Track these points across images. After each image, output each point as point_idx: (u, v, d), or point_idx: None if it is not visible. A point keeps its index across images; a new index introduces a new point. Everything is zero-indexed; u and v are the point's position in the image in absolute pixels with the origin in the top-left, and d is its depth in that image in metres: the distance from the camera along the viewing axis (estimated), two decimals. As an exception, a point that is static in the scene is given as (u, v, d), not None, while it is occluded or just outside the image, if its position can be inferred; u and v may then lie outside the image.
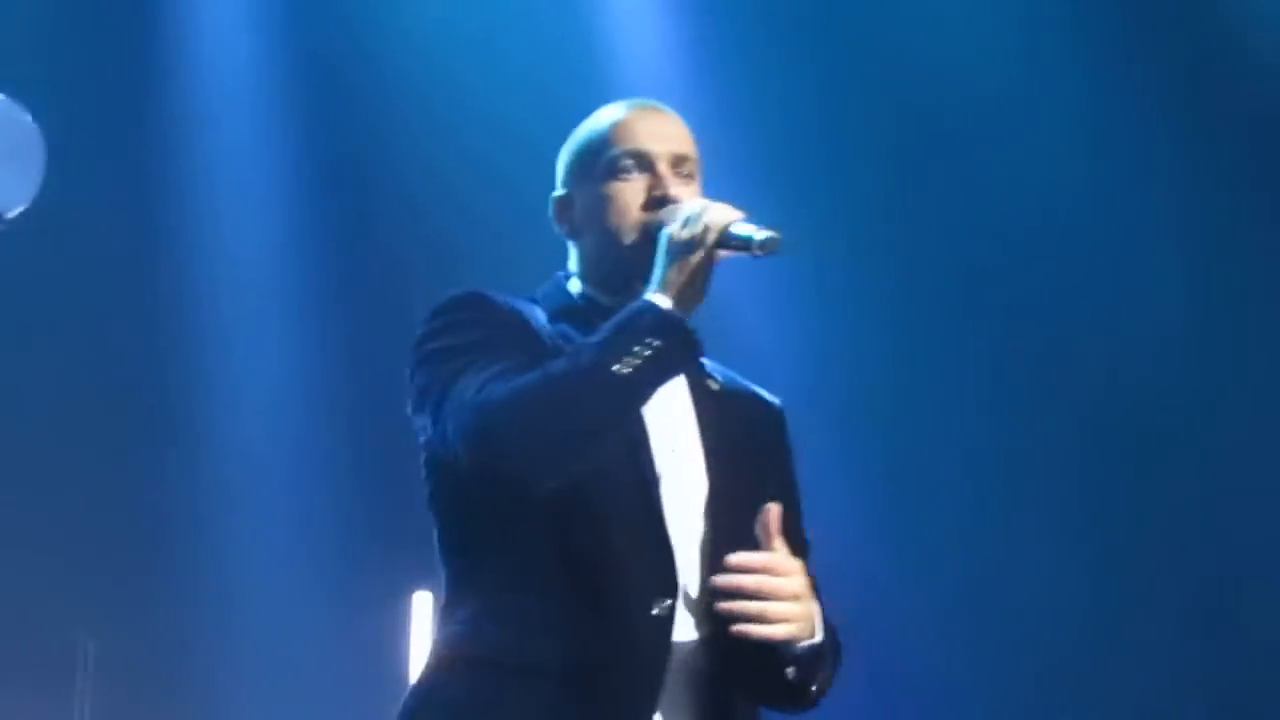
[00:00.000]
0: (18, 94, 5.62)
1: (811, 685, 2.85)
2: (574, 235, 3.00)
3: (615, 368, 2.72)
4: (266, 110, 6.90)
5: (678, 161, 2.95)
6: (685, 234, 2.79)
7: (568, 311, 2.96)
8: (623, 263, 2.90)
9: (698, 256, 2.78)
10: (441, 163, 6.82)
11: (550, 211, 3.03)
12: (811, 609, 2.81)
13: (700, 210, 2.81)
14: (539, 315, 2.94)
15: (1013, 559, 6.68)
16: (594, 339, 2.77)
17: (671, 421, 2.88)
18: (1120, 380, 6.70)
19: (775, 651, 2.81)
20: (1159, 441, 6.66)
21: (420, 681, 2.85)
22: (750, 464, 2.93)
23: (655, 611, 2.76)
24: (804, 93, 6.87)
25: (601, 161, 2.95)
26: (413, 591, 6.41)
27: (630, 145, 2.95)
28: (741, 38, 6.94)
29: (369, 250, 6.86)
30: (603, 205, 2.93)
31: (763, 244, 2.77)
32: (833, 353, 6.70)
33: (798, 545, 2.93)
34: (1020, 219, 6.78)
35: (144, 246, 6.73)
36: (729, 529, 2.84)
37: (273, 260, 6.81)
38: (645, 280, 2.83)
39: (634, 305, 2.79)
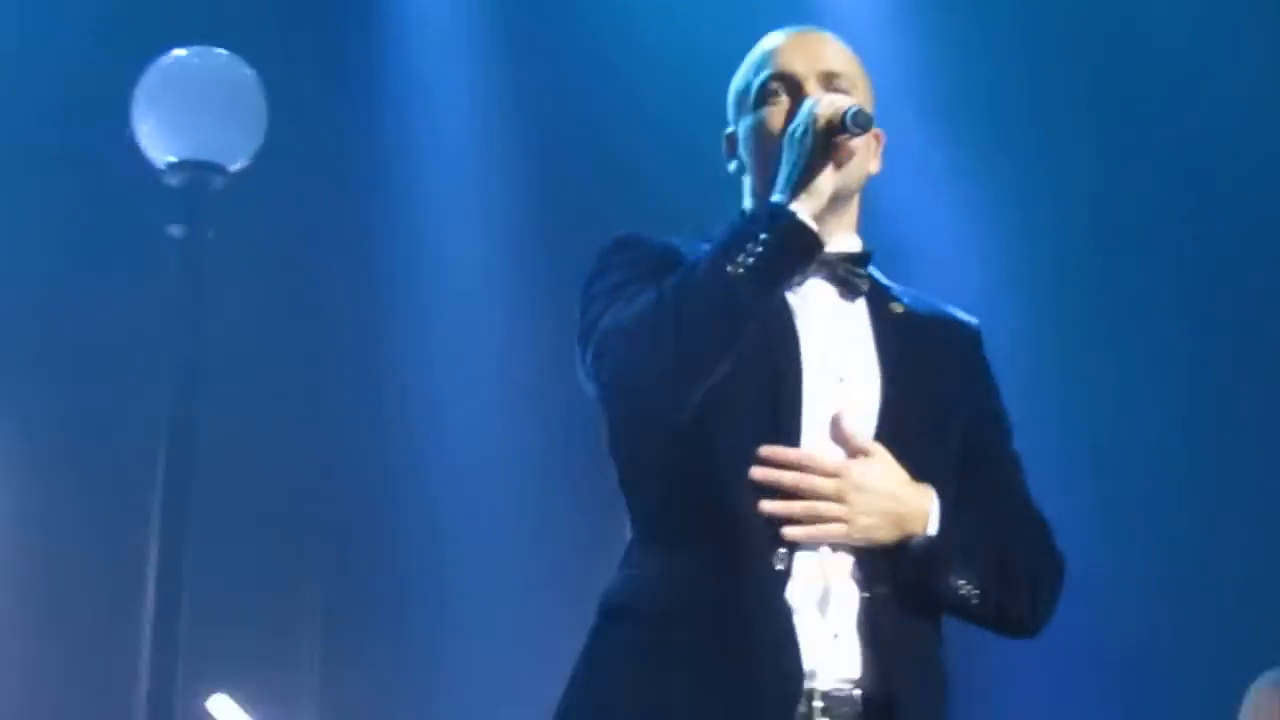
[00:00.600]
0: (241, 51, 5.86)
1: (957, 587, 2.73)
2: (740, 171, 2.94)
3: (729, 269, 2.64)
4: (483, 87, 6.86)
5: (828, 78, 2.87)
6: (797, 128, 2.73)
7: None
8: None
9: (808, 147, 2.71)
10: (661, 142, 6.77)
11: (723, 151, 3.00)
12: (894, 505, 2.71)
13: (812, 104, 2.75)
14: (701, 248, 2.84)
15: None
16: (714, 240, 2.72)
17: (845, 348, 2.79)
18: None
19: (898, 562, 2.73)
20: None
21: (590, 631, 2.81)
22: (935, 389, 2.83)
23: (779, 566, 2.68)
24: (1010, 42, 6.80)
25: (754, 90, 2.89)
26: None
27: (778, 68, 2.88)
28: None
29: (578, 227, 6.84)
30: (755, 133, 2.88)
31: (854, 118, 2.69)
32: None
33: (1005, 463, 2.88)
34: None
35: (357, 206, 6.71)
36: (903, 458, 2.75)
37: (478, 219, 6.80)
38: None
39: (758, 205, 2.77)
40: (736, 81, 2.94)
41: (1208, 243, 6.42)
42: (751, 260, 2.64)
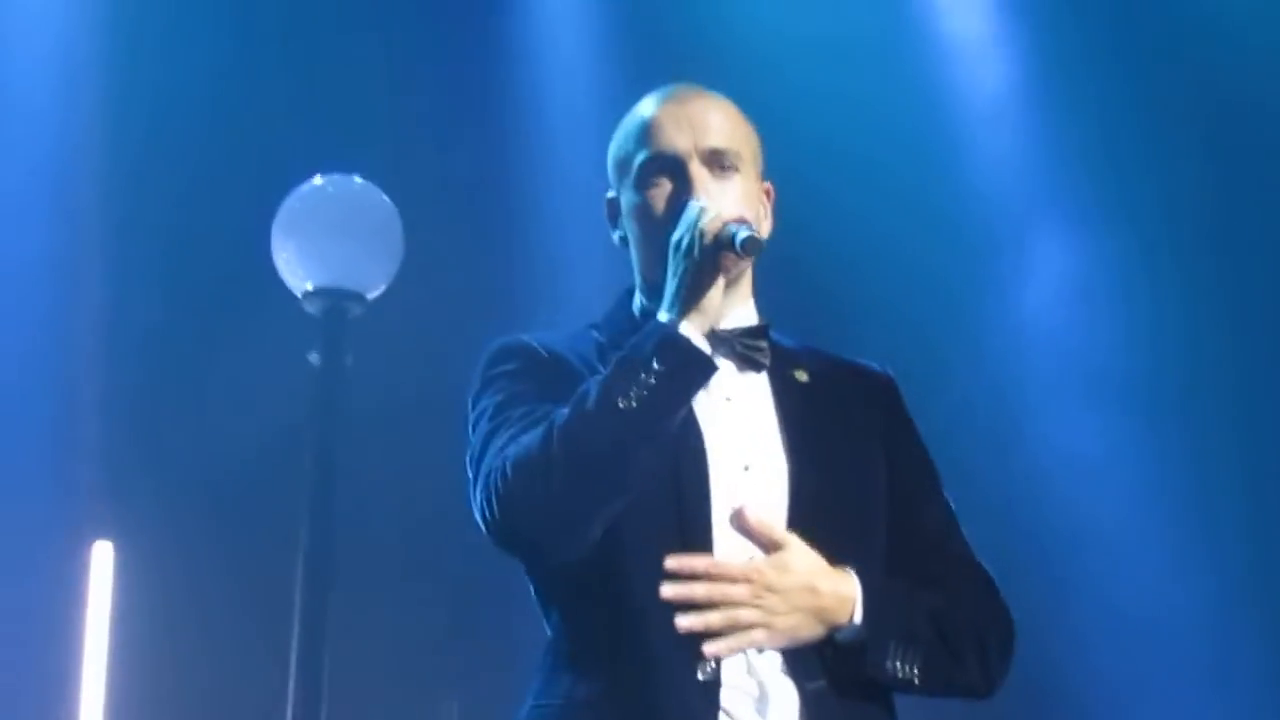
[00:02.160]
0: (378, 179, 5.93)
1: (895, 671, 2.61)
2: (624, 243, 2.81)
3: (620, 404, 2.51)
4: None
5: (712, 156, 2.70)
6: (682, 239, 2.59)
7: (631, 325, 2.74)
8: (657, 272, 2.67)
9: (695, 262, 2.58)
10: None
11: (605, 215, 2.86)
12: (813, 600, 2.56)
13: (697, 212, 2.60)
14: (588, 348, 2.75)
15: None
16: (599, 376, 2.58)
17: (750, 432, 2.66)
18: None
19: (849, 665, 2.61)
20: None
21: None
22: (848, 459, 2.71)
23: (700, 677, 2.56)
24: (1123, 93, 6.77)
25: (633, 167, 2.74)
26: (93, 542, 6.26)
27: (657, 146, 2.72)
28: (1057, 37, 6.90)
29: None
30: (638, 215, 2.73)
31: (743, 245, 2.56)
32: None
33: (937, 515, 2.77)
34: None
35: (490, 332, 6.81)
36: (823, 541, 2.60)
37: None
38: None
39: (642, 329, 2.60)
40: (614, 149, 2.80)
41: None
42: (645, 393, 2.52)
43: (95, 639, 6.19)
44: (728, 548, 2.56)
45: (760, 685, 2.57)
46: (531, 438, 2.54)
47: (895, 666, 2.60)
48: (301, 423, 5.68)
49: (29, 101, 6.53)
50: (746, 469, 2.61)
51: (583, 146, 6.75)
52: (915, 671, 2.60)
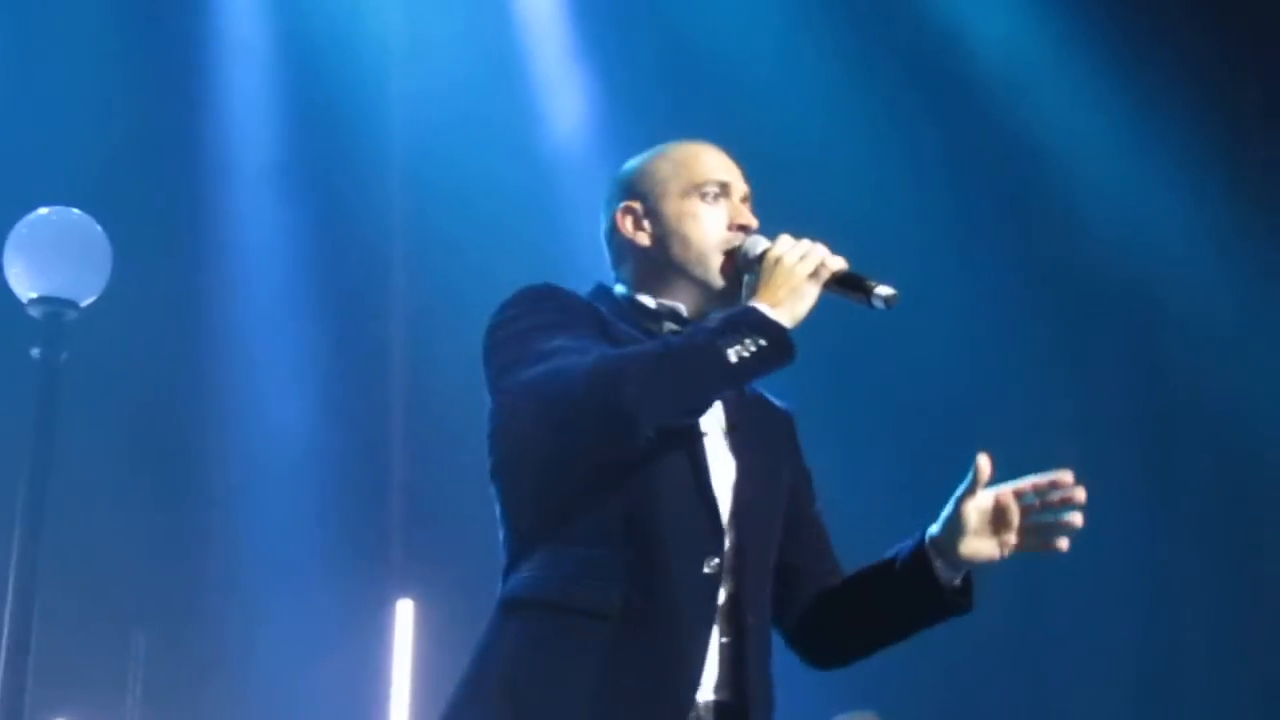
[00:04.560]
0: (89, 208, 6.48)
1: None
2: (636, 244, 3.09)
3: (727, 352, 2.81)
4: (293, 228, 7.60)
5: (746, 198, 3.10)
6: (804, 265, 2.90)
7: (617, 311, 3.05)
8: (699, 271, 3.03)
9: (811, 287, 2.89)
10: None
11: (611, 220, 3.12)
12: None
13: (811, 249, 2.93)
14: (599, 307, 3.02)
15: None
16: (709, 326, 2.87)
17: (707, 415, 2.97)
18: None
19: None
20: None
21: (489, 626, 2.88)
22: (767, 453, 3.04)
23: (706, 570, 2.84)
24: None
25: (692, 183, 3.06)
26: (396, 600, 6.92)
27: (715, 175, 3.08)
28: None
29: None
30: (690, 220, 3.04)
31: (886, 299, 2.92)
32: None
33: (816, 520, 3.16)
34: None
35: (187, 330, 7.50)
36: (749, 504, 2.94)
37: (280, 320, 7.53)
38: (707, 285, 3.02)
39: (746, 307, 2.89)
40: (658, 168, 3.10)
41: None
42: (746, 355, 2.82)
43: (400, 683, 6.75)
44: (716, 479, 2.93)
45: (727, 599, 2.90)
46: (651, 347, 2.85)
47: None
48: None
49: None
50: (707, 435, 2.97)
51: (264, 191, 7.50)
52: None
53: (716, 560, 2.87)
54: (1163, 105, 7.14)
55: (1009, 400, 7.21)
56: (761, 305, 2.88)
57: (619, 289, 3.13)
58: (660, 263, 3.07)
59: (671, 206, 3.06)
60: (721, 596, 2.90)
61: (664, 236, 3.06)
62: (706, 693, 2.87)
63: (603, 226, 3.19)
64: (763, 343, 2.83)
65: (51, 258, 6.29)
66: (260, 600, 7.15)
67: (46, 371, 6.21)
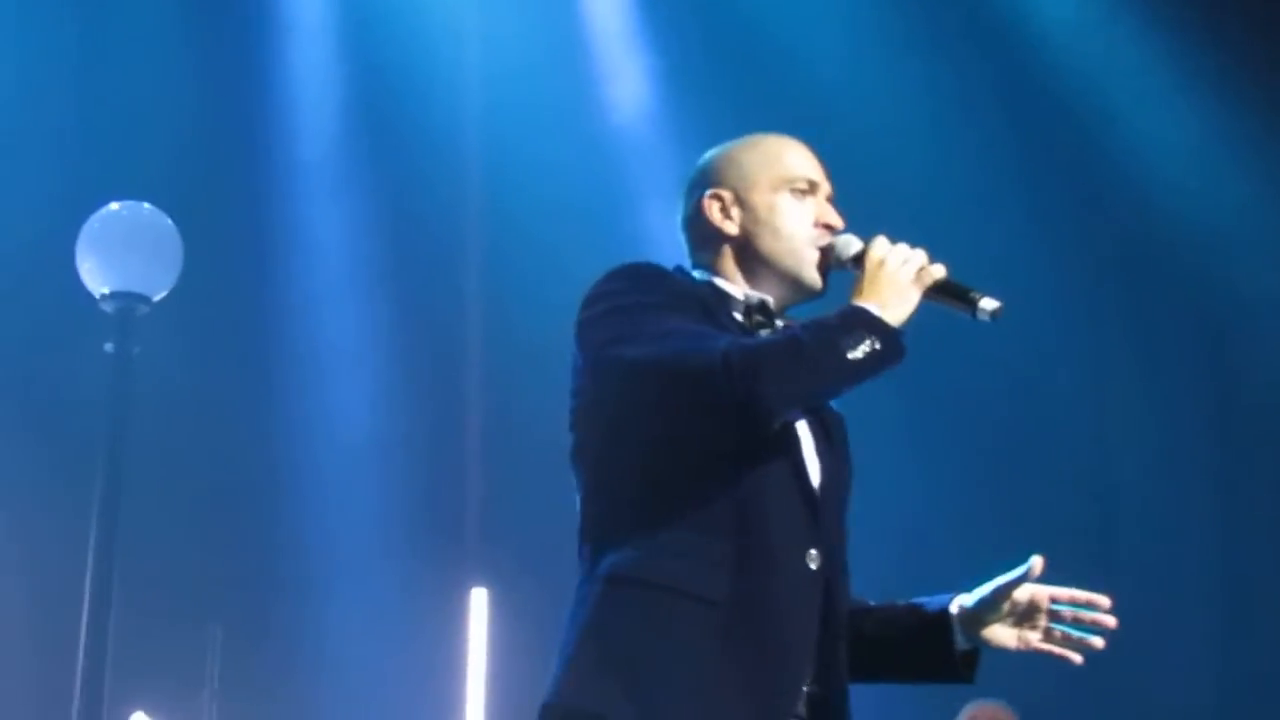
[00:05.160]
0: (160, 203, 6.58)
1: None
2: (724, 232, 3.10)
3: (849, 352, 2.86)
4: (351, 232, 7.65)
5: (830, 197, 3.15)
6: (906, 269, 2.95)
7: (709, 296, 3.07)
8: (790, 264, 3.06)
9: (914, 291, 2.95)
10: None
11: (696, 206, 3.13)
12: None
13: (912, 253, 2.98)
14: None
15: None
16: (829, 323, 2.89)
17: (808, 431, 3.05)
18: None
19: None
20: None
21: (593, 600, 2.89)
22: (837, 452, 3.08)
23: (810, 564, 2.90)
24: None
25: (783, 177, 3.10)
26: (470, 588, 6.98)
27: (805, 172, 3.12)
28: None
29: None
30: (783, 213, 3.08)
31: (992, 312, 2.98)
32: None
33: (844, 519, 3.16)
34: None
35: (258, 321, 7.58)
36: (833, 500, 3.00)
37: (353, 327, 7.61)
38: (799, 280, 3.06)
39: (857, 308, 2.92)
40: (751, 159, 3.13)
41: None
42: (864, 355, 2.88)
43: (475, 672, 6.87)
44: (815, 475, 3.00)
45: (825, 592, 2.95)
46: (783, 339, 2.91)
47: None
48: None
49: None
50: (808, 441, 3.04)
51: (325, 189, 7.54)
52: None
53: (816, 553, 2.93)
54: (1239, 91, 7.13)
55: (1080, 399, 7.27)
56: (871, 306, 2.93)
57: (698, 274, 3.15)
58: (748, 252, 3.11)
59: (761, 198, 3.10)
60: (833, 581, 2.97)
61: (753, 226, 3.10)
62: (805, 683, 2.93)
63: (682, 212, 3.20)
64: (877, 345, 2.88)
65: (123, 253, 6.40)
66: (334, 592, 7.26)
67: (120, 366, 6.32)
